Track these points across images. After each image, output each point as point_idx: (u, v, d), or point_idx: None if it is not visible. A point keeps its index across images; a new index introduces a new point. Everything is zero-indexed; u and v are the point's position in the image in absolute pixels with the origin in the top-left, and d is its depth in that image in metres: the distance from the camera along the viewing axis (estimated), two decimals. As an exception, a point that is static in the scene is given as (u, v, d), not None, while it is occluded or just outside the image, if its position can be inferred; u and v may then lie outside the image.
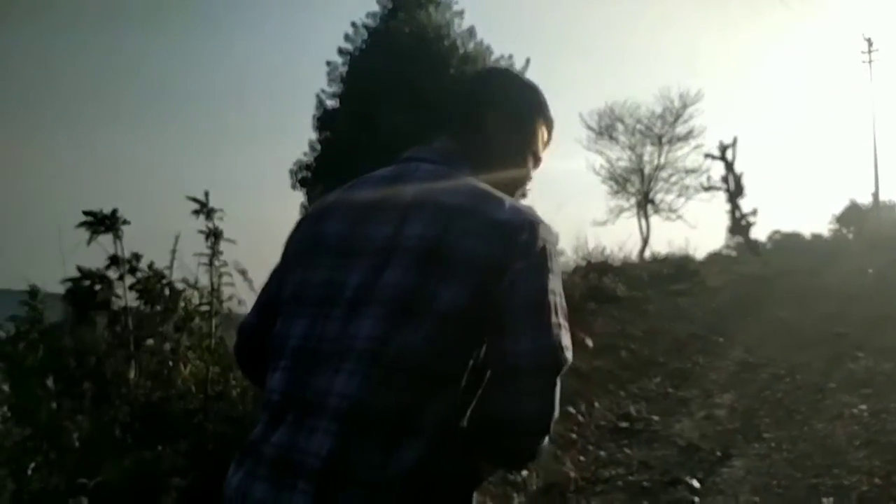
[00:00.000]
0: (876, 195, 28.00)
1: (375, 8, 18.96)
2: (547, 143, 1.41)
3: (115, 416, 3.18)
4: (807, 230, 29.44)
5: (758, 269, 14.51)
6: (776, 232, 29.93)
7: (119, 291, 3.54)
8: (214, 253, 3.56)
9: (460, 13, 18.99)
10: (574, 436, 4.61)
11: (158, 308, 3.60)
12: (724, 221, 22.20)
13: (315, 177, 18.41)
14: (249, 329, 1.28)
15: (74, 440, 2.94)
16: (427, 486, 1.01)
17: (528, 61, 18.52)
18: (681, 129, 22.47)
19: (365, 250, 1.10)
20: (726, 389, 5.50)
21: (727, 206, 21.43)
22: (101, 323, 3.64)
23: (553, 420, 1.06)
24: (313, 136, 18.93)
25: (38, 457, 2.85)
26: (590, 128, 22.89)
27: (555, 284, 1.09)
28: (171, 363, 3.55)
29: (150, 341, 3.58)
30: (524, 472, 3.91)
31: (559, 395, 1.07)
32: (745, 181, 21.12)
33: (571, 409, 5.01)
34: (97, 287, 3.49)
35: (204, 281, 3.64)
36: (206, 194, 3.59)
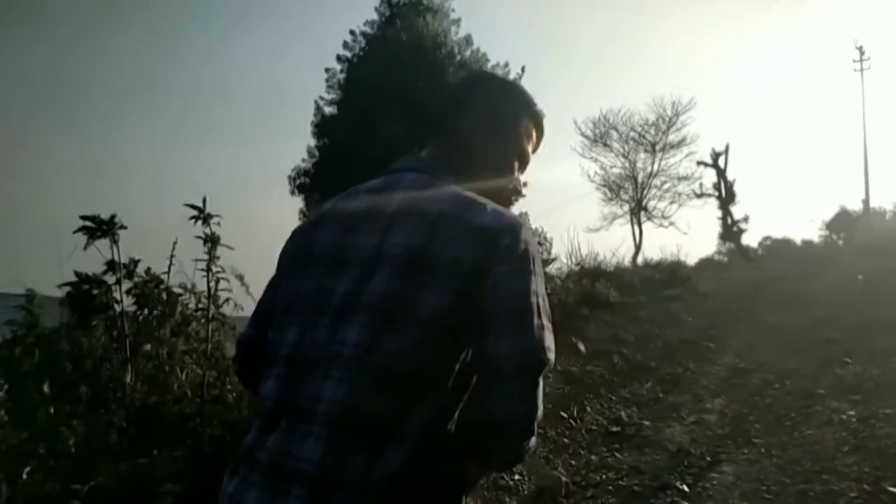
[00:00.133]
0: (866, 202, 28.25)
1: (372, 15, 19.06)
2: (538, 140, 1.42)
3: (111, 421, 3.19)
4: (797, 236, 29.72)
5: (749, 275, 14.61)
6: (767, 238, 30.21)
7: (116, 296, 3.56)
8: (211, 258, 3.59)
9: (457, 21, 19.08)
10: (566, 440, 4.64)
11: (156, 312, 3.62)
12: (716, 228, 22.36)
13: (313, 183, 18.44)
14: (248, 341, 1.31)
15: (70, 445, 2.95)
16: (414, 489, 1.03)
17: (523, 69, 18.65)
18: (673, 137, 22.60)
19: (353, 259, 1.13)
20: (717, 395, 5.53)
21: (719, 213, 21.57)
22: (98, 327, 3.65)
23: (537, 420, 1.07)
24: (311, 142, 18.98)
25: (34, 461, 2.86)
26: (584, 135, 22.99)
27: (537, 286, 1.10)
28: (167, 368, 3.56)
29: (146, 346, 3.59)
30: (516, 477, 3.94)
31: (542, 396, 1.08)
32: (736, 188, 21.27)
33: (563, 414, 5.04)
34: (95, 291, 3.50)
35: (201, 286, 3.67)
36: (204, 200, 3.62)
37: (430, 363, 1.06)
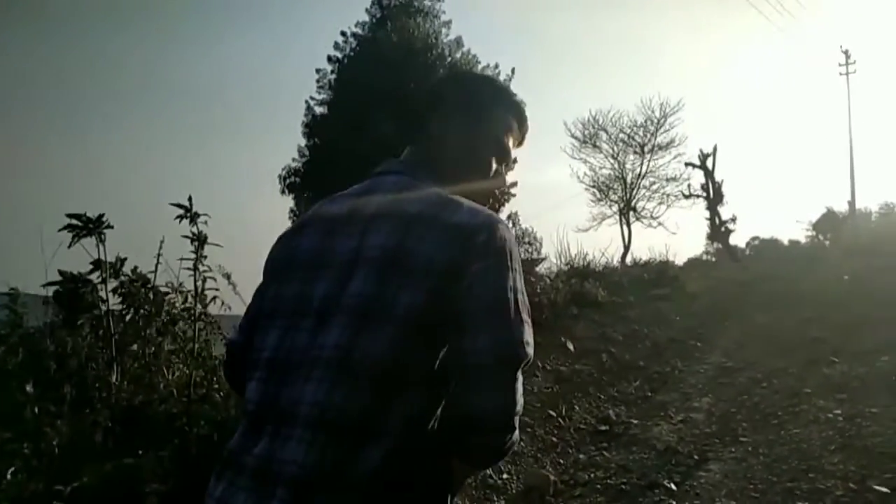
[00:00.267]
0: (852, 203, 28.46)
1: (363, 16, 19.05)
2: (521, 132, 1.40)
3: (97, 421, 3.16)
4: (785, 237, 29.93)
5: (736, 274, 14.69)
6: (755, 238, 30.41)
7: (102, 295, 3.53)
8: (198, 257, 3.57)
9: (448, 23, 19.12)
10: (554, 439, 4.65)
11: (142, 312, 3.60)
12: (704, 228, 22.47)
13: (303, 183, 18.43)
14: (236, 347, 1.31)
15: (54, 445, 2.93)
16: (397, 486, 1.03)
17: (513, 71, 18.70)
18: (662, 139, 22.68)
19: (332, 263, 1.14)
20: (704, 393, 5.56)
21: (707, 214, 21.67)
22: (84, 327, 3.63)
23: (517, 415, 1.08)
24: (302, 141, 18.95)
25: (18, 461, 2.84)
26: (574, 137, 23.05)
27: (515, 282, 1.10)
28: (153, 367, 3.54)
29: (133, 346, 3.57)
30: (504, 476, 3.94)
31: (522, 391, 1.08)
32: (724, 189, 21.38)
33: (552, 413, 5.05)
34: (81, 290, 3.47)
35: (189, 285, 3.65)
36: (190, 199, 3.60)
37: (407, 361, 1.06)
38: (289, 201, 18.93)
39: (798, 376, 5.70)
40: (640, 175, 22.81)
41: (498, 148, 1.36)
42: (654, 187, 22.84)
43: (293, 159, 19.00)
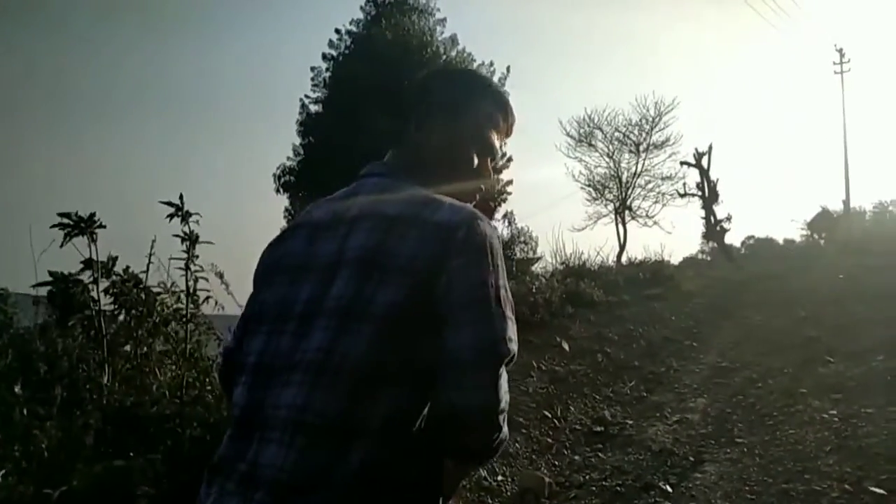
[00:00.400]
0: (846, 202, 28.54)
1: (358, 14, 19.02)
2: (507, 124, 1.37)
3: (87, 422, 3.13)
4: (780, 236, 29.96)
5: (732, 273, 14.71)
6: (750, 237, 30.43)
7: (94, 295, 3.49)
8: (190, 256, 3.53)
9: (442, 21, 19.11)
10: (549, 440, 4.64)
11: (134, 312, 3.56)
12: (700, 227, 22.46)
13: (298, 181, 18.39)
14: (230, 353, 1.30)
15: (43, 448, 2.89)
16: (379, 487, 1.02)
17: (508, 69, 18.69)
18: (657, 137, 22.61)
19: (315, 266, 1.15)
20: (700, 394, 5.55)
21: (702, 213, 21.66)
22: (75, 327, 3.59)
23: (501, 412, 1.06)
24: (297, 140, 18.92)
25: (8, 464, 2.80)
26: (569, 135, 22.99)
27: (497, 278, 1.08)
28: (145, 368, 3.50)
29: (125, 347, 3.53)
30: (499, 478, 3.92)
31: (507, 387, 1.06)
32: (720, 188, 21.37)
33: (547, 413, 5.04)
34: (72, 290, 3.43)
35: (182, 284, 3.61)
36: (181, 197, 3.56)
37: (388, 360, 1.05)
38: (284, 200, 18.94)
39: (793, 376, 5.70)
40: (635, 174, 22.77)
41: (479, 141, 1.33)
42: (650, 186, 22.80)
43: (288, 158, 19.01)
